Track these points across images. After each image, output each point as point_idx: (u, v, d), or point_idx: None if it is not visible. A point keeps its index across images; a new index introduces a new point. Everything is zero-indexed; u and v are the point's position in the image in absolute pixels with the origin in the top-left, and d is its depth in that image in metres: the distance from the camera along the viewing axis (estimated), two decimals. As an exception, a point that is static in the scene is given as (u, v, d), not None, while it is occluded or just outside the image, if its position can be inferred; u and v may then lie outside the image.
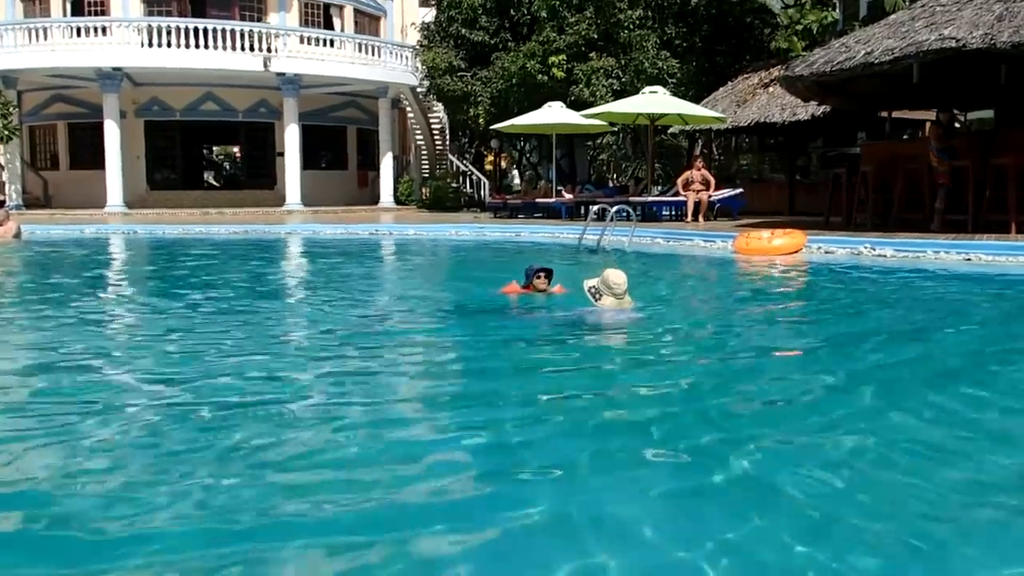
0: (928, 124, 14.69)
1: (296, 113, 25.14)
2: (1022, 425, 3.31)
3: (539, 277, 6.28)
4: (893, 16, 13.19)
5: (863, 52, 11.25)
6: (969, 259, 8.62)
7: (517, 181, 29.18)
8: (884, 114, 16.44)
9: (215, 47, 23.45)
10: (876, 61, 10.93)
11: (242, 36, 23.83)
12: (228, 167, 40.08)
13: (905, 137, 18.95)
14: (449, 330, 5.76)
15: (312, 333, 5.58)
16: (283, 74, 24.50)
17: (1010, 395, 3.72)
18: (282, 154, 26.10)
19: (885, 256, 9.31)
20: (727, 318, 6.06)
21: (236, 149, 34.94)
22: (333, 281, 8.89)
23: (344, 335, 5.35)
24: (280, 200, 25.56)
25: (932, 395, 3.69)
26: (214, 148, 38.99)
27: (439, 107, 27.58)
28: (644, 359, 4.62)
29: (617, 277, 5.47)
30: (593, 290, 5.49)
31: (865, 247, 9.66)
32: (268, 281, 9.24)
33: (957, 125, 14.25)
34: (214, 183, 35.81)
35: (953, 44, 10.00)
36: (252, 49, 23.97)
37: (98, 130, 23.96)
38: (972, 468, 2.74)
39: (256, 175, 28.91)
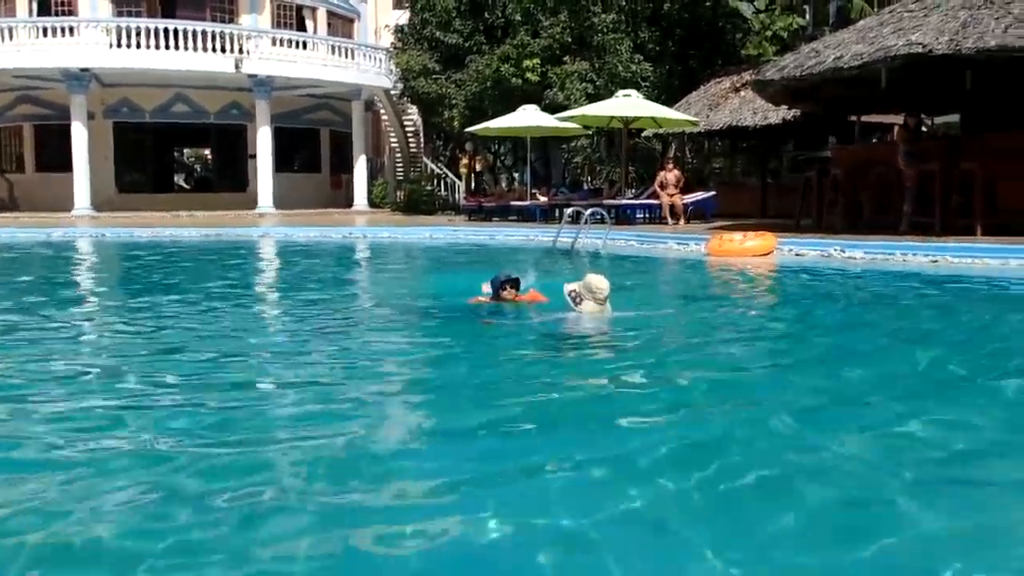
0: (896, 128, 14.88)
1: (268, 115, 24.97)
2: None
3: (504, 289, 5.98)
4: (862, 22, 13.39)
5: (832, 57, 11.40)
6: (936, 261, 8.76)
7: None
8: (853, 118, 16.65)
9: (185, 48, 23.22)
10: (845, 66, 11.08)
11: (213, 37, 23.62)
12: (199, 169, 39.72)
13: (874, 141, 19.19)
14: (420, 338, 5.68)
15: (282, 339, 5.50)
16: (255, 76, 24.32)
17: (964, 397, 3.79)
18: (254, 156, 25.90)
19: (854, 258, 9.43)
20: (700, 323, 6.07)
21: (207, 151, 34.62)
22: (305, 285, 8.83)
23: (313, 341, 5.29)
24: (252, 203, 25.36)
25: (899, 399, 3.75)
26: (185, 150, 38.61)
27: (413, 110, 27.53)
28: (623, 370, 4.50)
29: (600, 282, 5.34)
30: (574, 294, 5.35)
31: (835, 249, 9.79)
32: (239, 285, 9.16)
33: (924, 129, 14.46)
34: (185, 186, 35.46)
35: (920, 49, 10.16)
36: (223, 51, 23.76)
37: (65, 132, 23.61)
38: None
39: (228, 178, 28.65)
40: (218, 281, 9.14)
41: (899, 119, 13.88)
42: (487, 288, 6.14)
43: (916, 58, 10.25)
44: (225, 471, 2.73)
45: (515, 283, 6.04)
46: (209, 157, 34.32)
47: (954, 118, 17.52)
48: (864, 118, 17.44)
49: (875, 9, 17.49)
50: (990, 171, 10.56)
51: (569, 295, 5.37)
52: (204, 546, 2.17)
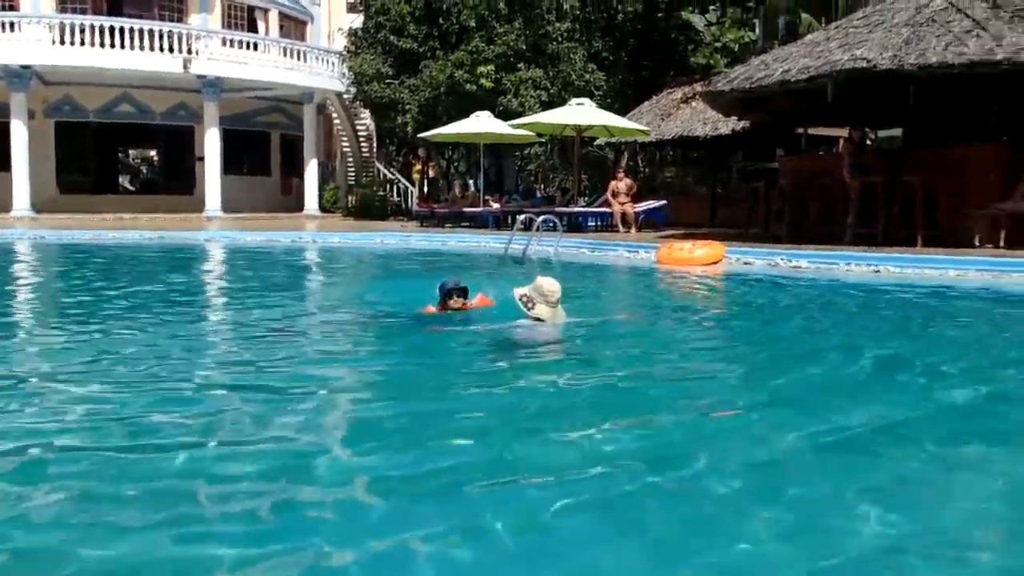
0: (841, 141, 15.19)
1: (217, 117, 24.58)
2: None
3: (452, 298, 5.77)
4: (809, 36, 13.64)
5: (781, 70, 11.59)
6: (878, 271, 8.93)
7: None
8: (800, 130, 16.97)
9: (132, 47, 22.75)
10: (793, 79, 11.26)
11: (161, 36, 23.19)
12: (145, 171, 38.90)
13: (820, 153, 19.56)
14: (363, 346, 5.56)
15: (221, 347, 5.34)
16: (204, 76, 23.93)
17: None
18: (202, 159, 25.47)
19: (799, 267, 9.57)
20: (651, 329, 6.09)
21: (153, 153, 33.96)
22: (249, 292, 8.64)
23: (256, 349, 5.15)
24: (199, 206, 24.93)
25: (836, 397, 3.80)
26: (130, 151, 37.81)
27: (366, 114, 27.35)
28: (577, 375, 4.48)
29: (551, 285, 5.25)
30: (525, 299, 5.22)
31: (781, 259, 9.93)
32: (184, 290, 8.94)
33: (868, 142, 14.78)
34: (129, 187, 34.72)
35: (864, 64, 10.37)
36: (171, 50, 23.34)
37: (4, 130, 22.94)
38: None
39: (174, 180, 28.13)
40: (159, 286, 8.92)
41: (844, 132, 14.18)
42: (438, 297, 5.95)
43: (861, 73, 10.47)
44: (152, 477, 2.64)
45: (463, 292, 5.84)
46: (155, 159, 33.68)
47: (897, 132, 17.97)
48: (811, 130, 17.81)
49: (823, 24, 17.85)
50: (930, 184, 10.83)
51: (520, 300, 5.24)
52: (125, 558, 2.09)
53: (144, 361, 4.60)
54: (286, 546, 2.19)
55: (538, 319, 5.22)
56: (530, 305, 5.21)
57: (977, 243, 10.58)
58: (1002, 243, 10.40)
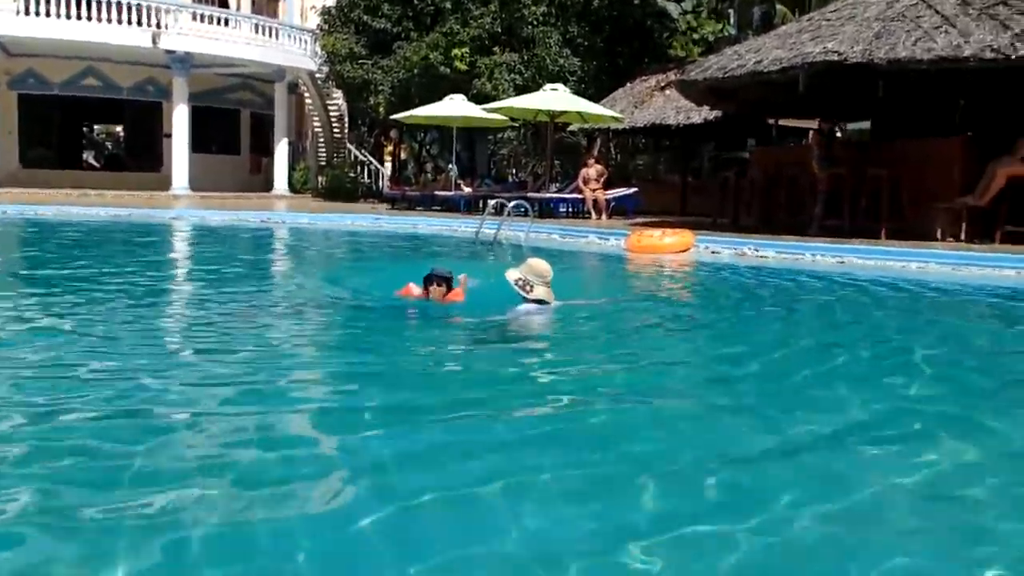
0: (811, 133, 15.35)
1: (186, 93, 24.21)
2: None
3: (437, 284, 5.56)
4: (782, 28, 13.74)
5: (753, 61, 11.66)
6: (843, 262, 9.07)
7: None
8: (772, 121, 17.11)
9: (99, 19, 22.32)
10: (765, 70, 11.34)
11: (129, 9, 22.74)
12: (110, 147, 38.24)
13: (790, 144, 19.74)
14: (343, 332, 5.39)
15: (186, 328, 5.26)
16: (173, 52, 23.53)
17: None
18: (169, 135, 25.07)
19: (767, 257, 9.68)
20: (618, 316, 6.11)
21: (119, 128, 33.38)
22: (216, 272, 8.56)
23: (225, 331, 5.10)
24: (166, 184, 24.57)
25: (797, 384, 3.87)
26: (95, 126, 37.14)
27: (338, 94, 27.08)
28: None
29: (543, 265, 5.20)
30: (522, 282, 5.11)
31: (749, 248, 10.04)
32: (149, 270, 8.82)
33: (837, 135, 14.94)
34: (94, 163, 34.12)
35: (835, 57, 10.47)
36: (140, 23, 22.92)
37: (-33, 102, 22.51)
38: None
39: (141, 157, 27.69)
40: (123, 264, 8.81)
41: (814, 124, 14.32)
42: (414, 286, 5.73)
43: (831, 65, 10.56)
44: (119, 464, 2.63)
45: (447, 281, 5.60)
46: (121, 135, 33.12)
47: (866, 125, 18.17)
48: (782, 121, 17.95)
49: (796, 16, 17.97)
50: (895, 177, 10.99)
51: (517, 284, 5.14)
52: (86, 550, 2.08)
53: (107, 343, 4.55)
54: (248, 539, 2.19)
55: (539, 301, 5.16)
56: (529, 288, 5.13)
57: (939, 236, 10.77)
58: (963, 236, 10.60)
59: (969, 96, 11.96)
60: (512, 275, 5.17)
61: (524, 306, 5.17)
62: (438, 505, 2.33)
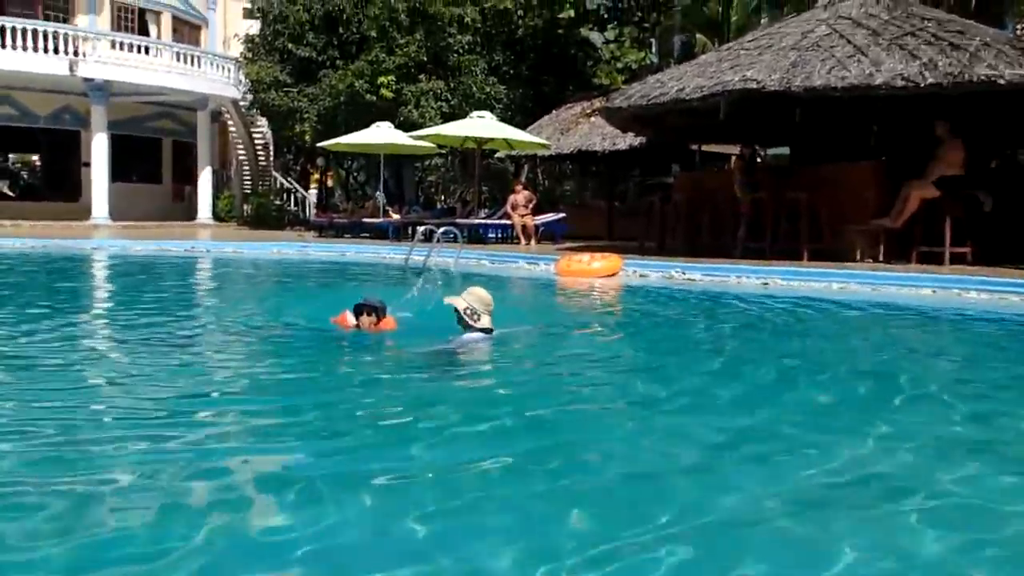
0: (733, 158, 15.76)
1: (105, 122, 23.60)
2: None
3: (367, 314, 5.41)
4: (703, 57, 14.12)
5: (675, 89, 11.93)
6: (767, 283, 9.28)
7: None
8: (695, 147, 17.51)
9: (14, 47, 21.64)
10: (687, 97, 11.61)
11: (45, 37, 22.15)
12: (26, 176, 36.89)
13: (714, 169, 20.23)
14: (279, 363, 5.17)
15: (112, 361, 5.06)
16: (91, 80, 22.95)
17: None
18: (88, 164, 24.37)
19: (693, 279, 9.86)
20: (552, 341, 6.12)
21: (36, 157, 32.28)
22: (138, 303, 8.26)
23: (149, 365, 4.91)
24: (85, 214, 23.83)
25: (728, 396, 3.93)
26: (10, 156, 35.83)
27: (263, 122, 26.76)
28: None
29: (486, 294, 5.13)
30: (470, 311, 5.02)
31: (675, 271, 10.21)
32: (64, 302, 8.50)
33: (758, 160, 15.36)
34: (9, 193, 32.83)
35: (754, 85, 10.79)
36: (57, 51, 22.31)
37: None
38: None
39: (58, 186, 26.80)
40: (40, 297, 8.48)
41: (736, 149, 14.71)
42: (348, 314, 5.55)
43: (751, 93, 10.89)
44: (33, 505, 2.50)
45: (376, 311, 5.43)
46: (37, 164, 32.03)
47: (785, 150, 18.75)
48: (705, 147, 18.39)
49: (716, 46, 18.53)
50: (814, 200, 11.34)
51: (465, 312, 5.03)
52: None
53: (25, 375, 4.36)
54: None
55: (485, 330, 5.08)
56: (476, 317, 5.04)
57: (858, 257, 11.13)
58: (881, 257, 10.98)
59: (882, 122, 12.46)
60: (458, 303, 5.07)
61: (469, 335, 5.06)
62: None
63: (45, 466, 2.85)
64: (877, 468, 2.99)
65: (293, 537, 2.27)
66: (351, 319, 5.51)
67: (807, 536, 2.39)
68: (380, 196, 21.29)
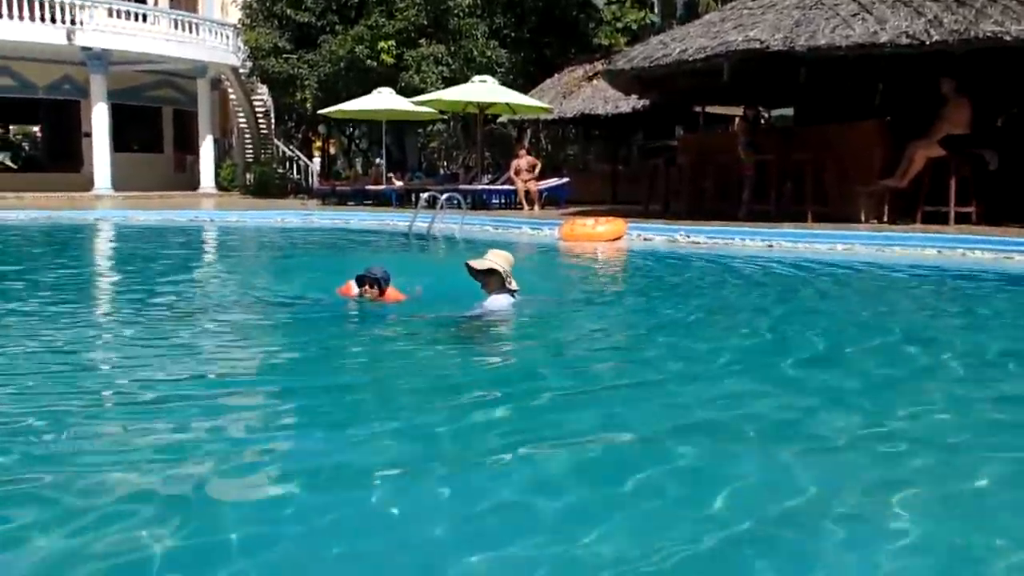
0: (736, 120, 15.64)
1: (104, 91, 23.44)
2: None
3: (369, 287, 5.35)
4: (706, 16, 13.95)
5: (678, 50, 11.82)
6: (771, 246, 9.28)
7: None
8: (698, 109, 17.37)
9: (11, 16, 21.44)
10: (690, 58, 11.51)
11: (42, 6, 21.92)
12: (27, 148, 36.80)
13: (717, 131, 20.09)
14: (279, 336, 5.17)
15: (118, 334, 5.07)
16: (89, 49, 22.75)
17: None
18: (89, 135, 24.27)
19: (698, 242, 9.86)
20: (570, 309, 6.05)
21: (36, 129, 32.17)
22: (145, 274, 8.28)
23: (157, 334, 4.94)
24: (88, 185, 23.79)
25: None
26: (11, 127, 35.71)
27: (263, 89, 26.57)
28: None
29: (507, 254, 5.01)
30: (505, 274, 4.87)
31: (680, 234, 10.21)
32: (71, 274, 8.54)
33: (762, 121, 15.27)
34: (11, 165, 32.79)
35: (757, 45, 10.69)
36: (54, 20, 22.10)
37: None
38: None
39: (60, 157, 26.74)
40: (47, 269, 8.52)
41: (739, 111, 14.60)
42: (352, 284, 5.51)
43: (754, 53, 10.78)
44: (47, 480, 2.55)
45: (377, 283, 5.38)
46: (38, 135, 31.94)
47: (789, 111, 18.60)
48: (708, 109, 18.23)
49: (719, 5, 18.28)
50: (819, 161, 11.27)
51: (505, 276, 4.86)
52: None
53: (34, 349, 4.40)
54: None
55: (513, 291, 4.94)
56: (510, 280, 4.89)
57: (863, 218, 11.10)
58: (886, 218, 10.95)
59: (887, 81, 12.34)
60: (493, 265, 4.85)
61: (495, 302, 4.90)
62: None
63: (50, 440, 2.90)
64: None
65: (307, 516, 2.31)
66: (355, 289, 5.49)
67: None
68: (382, 163, 21.24)
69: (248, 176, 27.09)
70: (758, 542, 2.13)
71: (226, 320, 5.52)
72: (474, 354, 4.40)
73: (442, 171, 27.75)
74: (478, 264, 4.94)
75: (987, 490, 2.46)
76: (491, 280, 4.94)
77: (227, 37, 25.99)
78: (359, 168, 30.37)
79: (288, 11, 22.79)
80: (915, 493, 2.41)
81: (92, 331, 5.11)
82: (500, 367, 4.14)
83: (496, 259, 4.93)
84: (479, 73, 18.83)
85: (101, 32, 22.90)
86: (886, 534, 2.13)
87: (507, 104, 17.82)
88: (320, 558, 2.02)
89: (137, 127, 27.35)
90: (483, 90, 17.14)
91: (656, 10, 23.66)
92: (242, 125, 28.01)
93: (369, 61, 21.11)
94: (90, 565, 1.96)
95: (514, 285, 4.92)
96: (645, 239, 10.45)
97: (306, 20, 22.68)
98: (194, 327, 5.22)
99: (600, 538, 2.09)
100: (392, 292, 5.53)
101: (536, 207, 16.45)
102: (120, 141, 24.92)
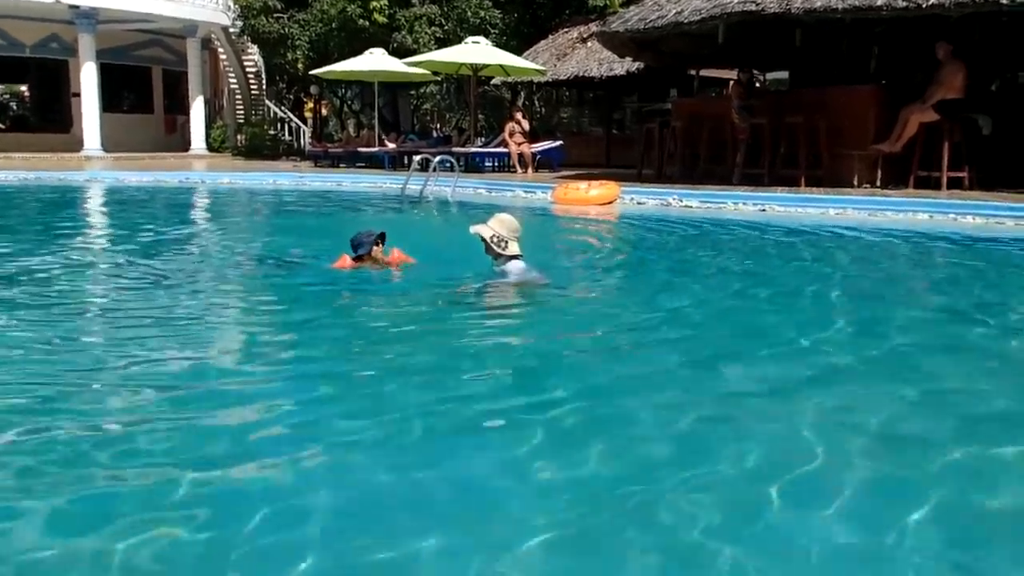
0: (731, 83, 15.55)
1: (93, 50, 23.10)
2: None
3: (378, 244, 5.21)
4: (702, -22, 13.80)
5: (674, 12, 11.72)
6: (764, 210, 9.31)
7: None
8: (693, 72, 17.26)
9: (-5, -27, 21.09)
10: (685, 21, 11.42)
11: (28, -38, 21.55)
12: (15, 108, 36.37)
13: (711, 94, 19.98)
14: (275, 302, 5.07)
15: (106, 300, 5.03)
16: (77, 7, 22.37)
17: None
18: (78, 95, 23.97)
19: (691, 206, 9.87)
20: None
21: (24, 88, 31.78)
22: (135, 237, 8.19)
23: (142, 300, 4.93)
24: (77, 145, 23.54)
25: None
26: (-2, 86, 35.29)
27: (254, 49, 26.24)
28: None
29: (512, 219, 4.84)
30: (497, 238, 4.72)
31: (673, 198, 10.21)
32: (59, 235, 8.47)
33: (757, 85, 15.18)
34: (-1, 125, 32.46)
35: (753, 8, 10.60)
36: (40, -23, 21.73)
37: None
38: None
39: (48, 117, 26.43)
40: (34, 231, 8.48)
41: (734, 74, 14.51)
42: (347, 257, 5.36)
43: (750, 16, 10.70)
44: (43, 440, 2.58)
45: (382, 237, 5.27)
46: (26, 94, 31.55)
47: (783, 74, 18.48)
48: (703, 72, 18.11)
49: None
50: (813, 125, 11.24)
51: (492, 240, 4.73)
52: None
53: (32, 307, 4.41)
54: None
55: (514, 256, 4.79)
56: (503, 245, 4.74)
57: (856, 183, 11.11)
58: (878, 183, 10.96)
59: (882, 45, 12.26)
60: (484, 230, 4.76)
61: (512, 271, 4.76)
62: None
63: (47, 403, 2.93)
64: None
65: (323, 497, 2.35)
66: (349, 259, 5.33)
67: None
68: (375, 125, 21.06)
69: (239, 138, 26.85)
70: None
71: (210, 287, 5.52)
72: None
73: (435, 133, 27.57)
74: (474, 228, 4.86)
75: None
76: (488, 245, 4.83)
77: (217, -5, 25.60)
78: (351, 130, 30.15)
79: (279, -32, 22.48)
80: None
81: (80, 293, 5.12)
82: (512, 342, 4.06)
83: (495, 225, 4.80)
84: (472, 34, 18.65)
85: (89, -11, 22.50)
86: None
87: (500, 66, 17.67)
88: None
89: (127, 87, 27.03)
90: (476, 51, 16.97)
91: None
92: (233, 86, 27.70)
93: (361, 21, 20.87)
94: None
95: (510, 250, 4.75)
96: (638, 203, 10.46)
97: (297, -22, 22.37)
98: (179, 292, 5.22)
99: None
100: (398, 254, 5.39)
101: (530, 170, 16.39)
102: (110, 101, 24.62)
